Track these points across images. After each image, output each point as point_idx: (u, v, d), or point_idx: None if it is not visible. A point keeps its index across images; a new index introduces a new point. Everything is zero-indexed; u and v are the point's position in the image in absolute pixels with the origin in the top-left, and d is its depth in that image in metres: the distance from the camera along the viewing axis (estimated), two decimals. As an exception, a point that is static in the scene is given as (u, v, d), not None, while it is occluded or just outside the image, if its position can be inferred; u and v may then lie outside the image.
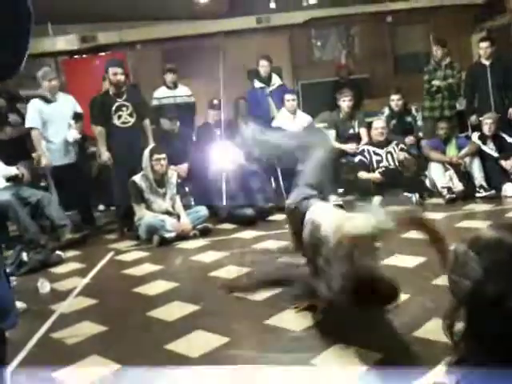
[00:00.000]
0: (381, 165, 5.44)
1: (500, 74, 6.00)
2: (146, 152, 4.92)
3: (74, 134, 5.30)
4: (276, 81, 6.56)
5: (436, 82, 6.21)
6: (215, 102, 6.26)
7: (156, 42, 9.23)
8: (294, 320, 2.72)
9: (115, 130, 5.20)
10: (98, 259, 4.39)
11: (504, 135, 5.66)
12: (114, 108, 5.17)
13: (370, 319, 2.62)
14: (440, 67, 6.30)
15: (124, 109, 5.20)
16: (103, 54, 9.06)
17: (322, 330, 2.60)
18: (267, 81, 6.49)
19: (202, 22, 9.09)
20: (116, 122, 5.19)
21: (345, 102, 6.08)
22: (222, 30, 9.18)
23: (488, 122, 5.58)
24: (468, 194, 5.33)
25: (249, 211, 5.26)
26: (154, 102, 6.40)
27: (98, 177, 6.42)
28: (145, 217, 4.76)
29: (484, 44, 6.13)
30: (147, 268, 4.02)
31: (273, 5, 5.96)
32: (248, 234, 4.82)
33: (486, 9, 9.52)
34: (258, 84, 6.53)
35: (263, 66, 6.45)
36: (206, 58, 9.40)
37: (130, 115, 5.22)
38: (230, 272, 3.67)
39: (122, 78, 5.22)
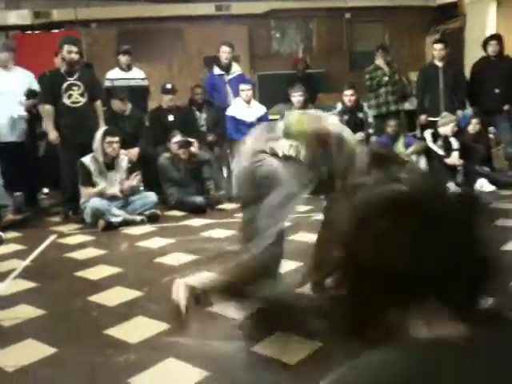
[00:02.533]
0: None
1: (451, 76, 6.17)
2: (99, 133, 4.81)
3: (19, 111, 5.12)
4: (236, 69, 6.52)
5: (384, 78, 6.49)
6: (168, 86, 6.17)
7: (112, 22, 9.02)
8: (235, 308, 2.73)
9: (65, 109, 5.05)
10: (40, 242, 4.27)
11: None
12: (64, 86, 5.02)
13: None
14: (379, 67, 6.59)
15: (75, 88, 5.06)
16: (57, 31, 8.79)
17: (264, 318, 2.62)
18: (227, 68, 6.44)
19: (160, 5, 8.95)
20: (66, 101, 5.04)
21: (295, 98, 6.14)
22: (180, 14, 9.06)
23: (451, 124, 5.72)
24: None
25: (198, 199, 5.24)
26: (107, 83, 6.26)
27: (45, 157, 6.25)
28: (91, 200, 4.65)
29: (438, 46, 6.29)
30: (91, 252, 3.94)
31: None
32: (197, 221, 4.80)
33: (440, 12, 9.77)
34: (217, 71, 6.47)
35: (224, 52, 6.37)
36: (163, 42, 9.27)
37: (81, 95, 5.08)
38: (175, 259, 3.64)
39: (76, 56, 5.07)
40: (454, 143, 5.70)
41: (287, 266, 3.32)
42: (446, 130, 5.75)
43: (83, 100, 5.10)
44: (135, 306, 2.83)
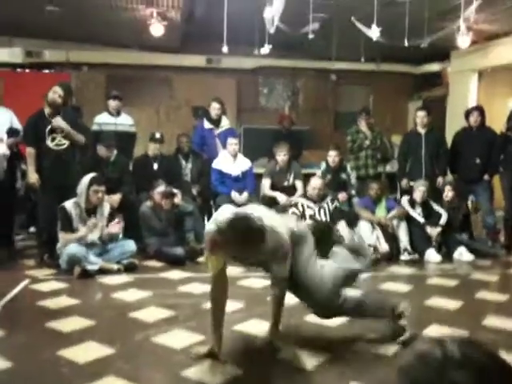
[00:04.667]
0: (310, 214, 5.52)
1: (434, 143, 6.31)
2: (86, 180, 4.75)
3: (1, 149, 5.07)
4: (225, 123, 6.61)
5: (366, 142, 6.58)
6: (157, 135, 6.20)
7: (103, 66, 9.13)
8: (212, 372, 2.65)
9: (48, 151, 5.02)
10: (12, 286, 4.13)
11: (431, 202, 5.91)
12: (48, 129, 5.01)
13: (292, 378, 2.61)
14: (361, 131, 6.73)
15: (58, 130, 5.05)
16: (47, 71, 8.86)
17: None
18: (217, 122, 6.52)
19: (152, 53, 9.10)
20: (49, 143, 5.02)
21: (280, 157, 6.21)
22: (171, 64, 9.22)
23: (421, 190, 5.81)
24: (392, 256, 5.49)
25: (178, 250, 5.17)
26: (95, 127, 6.28)
27: (26, 197, 6.18)
28: (68, 245, 4.55)
29: (421, 113, 6.45)
30: (64, 301, 3.82)
31: (225, 49, 6.04)
32: (175, 274, 4.72)
33: (423, 80, 10.12)
34: (207, 124, 6.55)
35: (214, 109, 6.49)
36: (151, 88, 9.39)
37: (65, 137, 5.06)
38: (150, 314, 3.55)
39: (59, 99, 5.05)
40: (444, 217, 5.75)
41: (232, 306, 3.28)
42: (415, 195, 5.84)
43: (67, 142, 5.07)
44: (107, 364, 2.72)
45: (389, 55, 8.83)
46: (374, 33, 5.06)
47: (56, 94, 5.04)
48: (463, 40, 6.30)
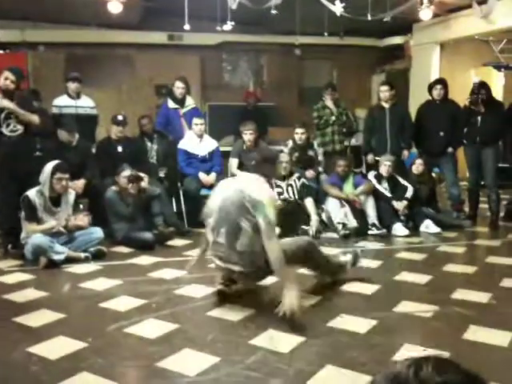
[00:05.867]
0: (281, 197, 5.52)
1: (398, 117, 6.34)
2: (49, 167, 4.58)
3: None
4: (190, 103, 6.47)
5: (332, 118, 6.53)
6: (120, 117, 6.03)
7: (61, 45, 8.84)
8: (189, 363, 2.62)
9: (3, 138, 4.84)
10: (-25, 280, 4.01)
11: (397, 176, 5.97)
12: (2, 116, 4.81)
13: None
14: (327, 106, 6.67)
15: (13, 116, 4.85)
16: (2, 52, 8.53)
17: (220, 376, 2.52)
18: (181, 102, 6.39)
19: (111, 31, 8.84)
20: (4, 130, 4.83)
21: (247, 136, 6.15)
22: (132, 41, 8.99)
23: (387, 164, 5.85)
24: (361, 231, 5.53)
25: (147, 235, 5.09)
26: (54, 110, 6.09)
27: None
28: (32, 236, 4.42)
29: (384, 87, 6.45)
30: (31, 294, 3.72)
31: (187, 26, 5.90)
32: (145, 259, 4.65)
33: (386, 53, 10.15)
34: (171, 104, 6.40)
35: (179, 88, 6.34)
36: (112, 67, 9.15)
37: (20, 123, 4.88)
38: (121, 304, 3.49)
39: (11, 85, 4.85)
40: (410, 191, 5.80)
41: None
42: (382, 170, 5.88)
43: (21, 128, 4.89)
44: (79, 360, 2.65)
45: (352, 29, 8.79)
46: (337, 9, 5.01)
47: (8, 80, 4.85)
48: (425, 12, 6.31)
